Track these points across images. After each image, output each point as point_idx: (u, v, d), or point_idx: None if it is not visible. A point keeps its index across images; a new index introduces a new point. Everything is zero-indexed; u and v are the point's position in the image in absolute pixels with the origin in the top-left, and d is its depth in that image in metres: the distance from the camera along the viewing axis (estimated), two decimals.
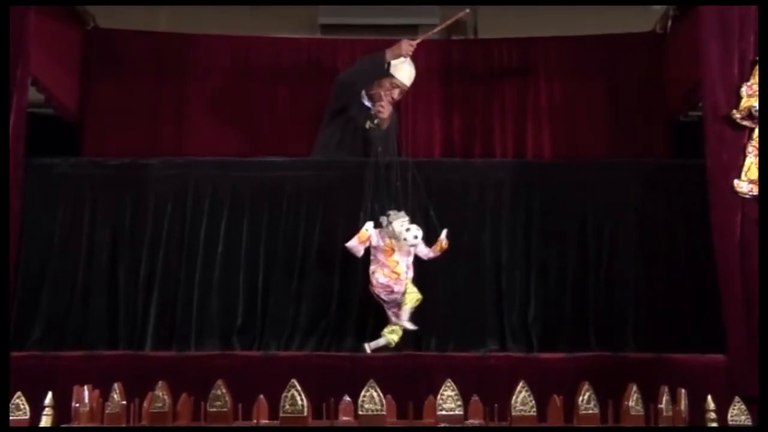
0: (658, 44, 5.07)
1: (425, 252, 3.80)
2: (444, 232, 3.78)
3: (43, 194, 4.05)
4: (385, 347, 3.76)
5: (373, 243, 3.76)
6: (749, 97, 3.70)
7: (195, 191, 4.11)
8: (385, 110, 4.41)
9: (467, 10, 4.61)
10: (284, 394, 3.07)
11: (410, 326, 3.76)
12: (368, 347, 3.76)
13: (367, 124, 4.26)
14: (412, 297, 3.74)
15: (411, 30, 5.71)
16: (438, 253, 3.80)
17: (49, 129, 4.67)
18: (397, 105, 4.60)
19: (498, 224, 4.08)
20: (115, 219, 4.07)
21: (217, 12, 5.54)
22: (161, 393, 3.11)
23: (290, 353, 3.81)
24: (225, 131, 5.18)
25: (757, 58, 3.71)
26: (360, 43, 5.35)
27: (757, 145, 3.68)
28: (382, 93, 4.46)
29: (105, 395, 3.16)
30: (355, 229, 4.00)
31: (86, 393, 3.11)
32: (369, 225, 3.75)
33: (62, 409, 3.13)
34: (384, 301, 3.77)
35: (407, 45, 4.44)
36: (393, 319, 3.78)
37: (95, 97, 5.10)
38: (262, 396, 3.18)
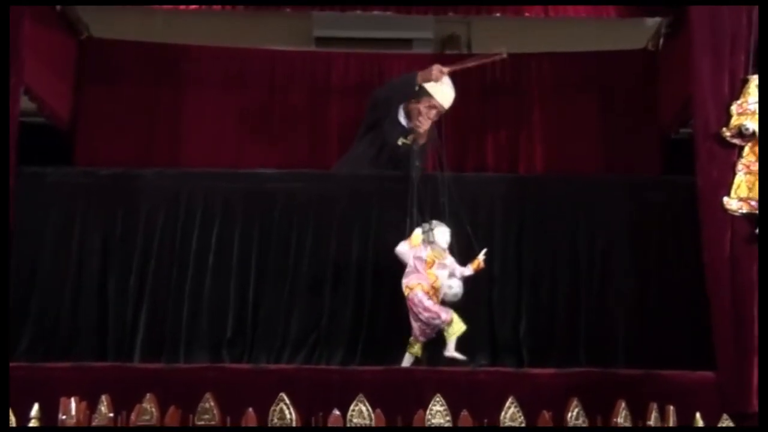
0: (650, 61, 5.09)
1: (460, 270, 3.74)
2: (483, 252, 3.74)
3: (35, 203, 4.04)
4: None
5: (416, 252, 3.72)
6: (739, 115, 3.72)
7: (187, 202, 4.11)
8: (423, 125, 4.36)
9: (504, 54, 4.59)
10: (273, 408, 3.07)
11: (459, 356, 3.66)
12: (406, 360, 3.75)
13: (400, 141, 4.25)
14: (459, 328, 3.67)
15: (405, 44, 5.75)
16: (473, 272, 3.74)
17: (41, 138, 4.66)
18: (436, 123, 4.53)
19: (490, 238, 4.07)
20: (106, 229, 4.06)
21: (212, 23, 5.55)
22: (149, 405, 3.11)
23: (280, 366, 3.79)
24: (218, 142, 5.17)
25: (748, 77, 3.73)
26: (354, 56, 5.37)
27: (746, 163, 3.69)
28: (420, 110, 4.44)
29: (92, 407, 3.15)
30: (347, 243, 4.04)
31: (73, 405, 3.10)
32: (419, 231, 3.72)
33: (49, 421, 3.12)
34: (421, 321, 3.68)
35: (438, 71, 4.43)
36: (416, 334, 3.70)
37: (88, 107, 5.08)
38: (250, 409, 3.17)
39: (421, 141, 4.36)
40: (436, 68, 4.44)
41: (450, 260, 3.75)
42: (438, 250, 3.72)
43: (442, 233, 3.73)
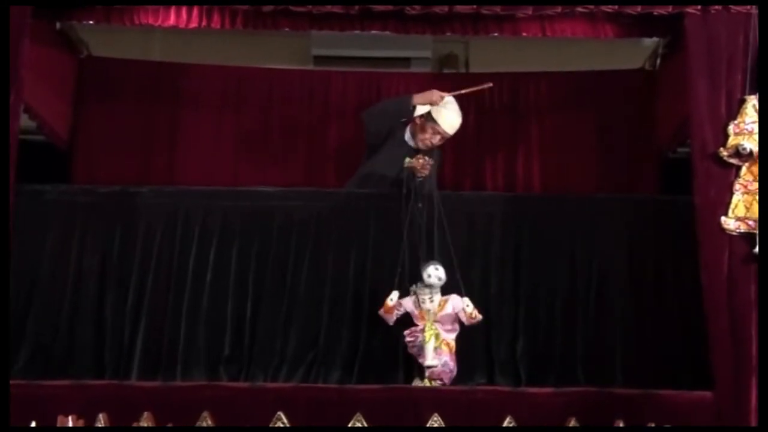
0: (648, 81, 5.11)
1: (465, 320, 3.78)
2: (465, 302, 3.75)
3: (33, 221, 4.04)
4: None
5: (408, 309, 3.77)
6: (736, 135, 3.74)
7: (185, 220, 4.11)
8: (425, 170, 4.16)
9: (490, 84, 4.66)
10: (270, 426, 3.06)
11: (432, 362, 3.67)
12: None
13: (407, 161, 4.25)
14: (429, 334, 3.68)
15: (403, 63, 5.76)
16: (473, 322, 3.76)
17: (39, 156, 4.67)
18: (440, 147, 4.54)
19: (487, 257, 4.09)
20: (104, 247, 4.06)
21: (211, 42, 5.58)
22: (146, 424, 3.10)
23: (277, 385, 3.79)
24: (216, 161, 5.18)
25: (745, 97, 3.76)
26: (352, 75, 5.39)
27: (744, 183, 3.71)
28: (424, 136, 4.41)
29: (90, 425, 3.13)
30: (344, 261, 4.04)
31: (70, 423, 3.09)
32: (394, 295, 3.74)
33: None
34: (416, 355, 3.74)
35: (437, 95, 4.42)
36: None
37: (87, 125, 5.09)
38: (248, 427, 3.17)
39: (420, 174, 4.29)
40: (436, 93, 4.44)
41: (451, 307, 3.76)
42: (429, 312, 3.73)
43: (430, 299, 3.73)
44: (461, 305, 3.76)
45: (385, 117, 4.50)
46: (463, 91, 4.57)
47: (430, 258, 3.76)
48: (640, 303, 4.01)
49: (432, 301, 3.72)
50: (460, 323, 3.79)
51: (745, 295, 3.62)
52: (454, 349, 3.75)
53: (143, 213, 4.11)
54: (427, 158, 4.17)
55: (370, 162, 4.54)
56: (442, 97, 4.44)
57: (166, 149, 5.18)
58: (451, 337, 3.75)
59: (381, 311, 3.78)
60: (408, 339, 3.75)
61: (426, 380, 3.70)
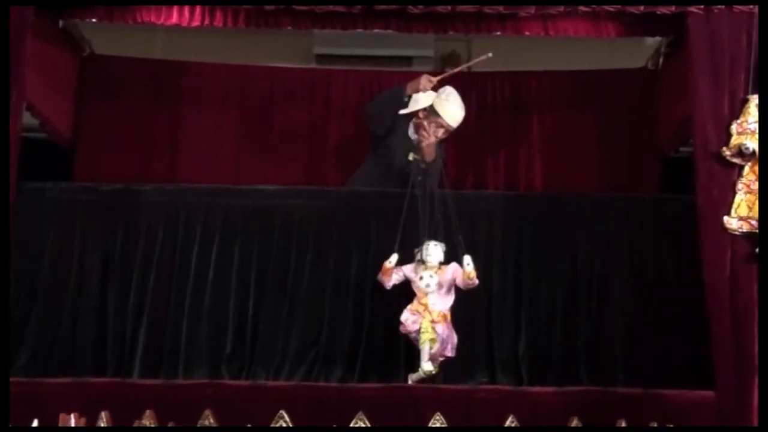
0: (650, 80, 5.11)
1: (461, 284, 3.78)
2: (466, 260, 3.73)
3: (35, 219, 4.04)
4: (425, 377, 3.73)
5: (407, 275, 3.78)
6: (739, 134, 3.74)
7: (186, 218, 4.11)
8: (426, 139, 4.27)
9: (490, 54, 4.59)
10: (272, 425, 3.06)
11: (427, 367, 3.66)
12: (410, 379, 3.75)
13: (411, 156, 4.24)
14: (425, 337, 3.67)
15: (405, 61, 5.76)
16: (469, 284, 3.76)
17: (41, 153, 4.67)
18: (442, 140, 4.50)
19: (489, 256, 4.08)
20: (105, 245, 4.06)
21: (213, 40, 5.58)
22: (148, 422, 3.10)
23: (279, 383, 3.79)
24: (218, 158, 5.18)
25: (748, 96, 3.76)
26: (354, 73, 5.39)
27: (746, 183, 3.71)
28: (426, 126, 4.39)
29: (91, 423, 3.14)
30: (346, 259, 4.04)
31: (72, 421, 3.09)
32: (393, 258, 3.75)
33: None
34: (413, 340, 3.74)
35: (426, 81, 4.42)
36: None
37: (89, 123, 5.09)
38: (249, 426, 3.17)
39: (428, 159, 4.28)
40: (425, 78, 4.44)
41: (450, 273, 3.76)
42: (432, 267, 3.73)
43: (433, 252, 3.74)
44: (460, 271, 3.75)
45: (382, 105, 4.49)
46: (461, 67, 4.55)
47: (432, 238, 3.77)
48: (642, 302, 4.01)
49: (432, 276, 3.72)
50: (457, 291, 3.76)
51: (747, 294, 3.62)
52: (449, 318, 3.74)
53: (145, 211, 4.11)
54: (432, 139, 4.17)
55: (373, 157, 4.54)
56: (431, 81, 4.43)
57: (167, 147, 5.18)
58: (446, 307, 3.74)
59: (379, 275, 3.76)
60: (402, 329, 3.72)
61: (429, 363, 3.68)
